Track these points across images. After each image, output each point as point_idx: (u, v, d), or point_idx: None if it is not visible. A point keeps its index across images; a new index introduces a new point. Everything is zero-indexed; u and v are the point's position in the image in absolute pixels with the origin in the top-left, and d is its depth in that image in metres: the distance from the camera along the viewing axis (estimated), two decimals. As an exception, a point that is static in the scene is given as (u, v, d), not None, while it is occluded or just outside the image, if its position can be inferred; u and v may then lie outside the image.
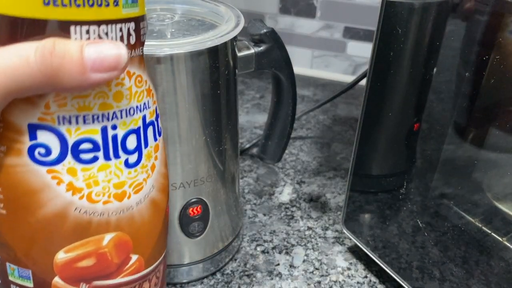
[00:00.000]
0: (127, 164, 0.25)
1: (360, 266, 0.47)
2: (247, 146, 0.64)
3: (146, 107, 0.26)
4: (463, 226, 0.40)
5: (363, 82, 0.42)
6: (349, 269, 0.47)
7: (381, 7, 0.35)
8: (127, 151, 0.25)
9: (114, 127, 0.24)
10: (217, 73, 0.36)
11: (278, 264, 0.47)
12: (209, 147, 0.38)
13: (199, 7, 0.40)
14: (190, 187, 0.39)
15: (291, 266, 0.47)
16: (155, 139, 0.27)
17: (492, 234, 0.38)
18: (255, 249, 0.49)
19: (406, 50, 0.37)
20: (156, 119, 0.28)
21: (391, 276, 0.43)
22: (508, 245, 0.38)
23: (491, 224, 0.39)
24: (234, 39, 0.37)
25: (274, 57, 0.41)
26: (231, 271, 0.46)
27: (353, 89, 0.62)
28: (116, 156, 0.25)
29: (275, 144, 0.49)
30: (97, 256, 0.26)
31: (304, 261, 0.47)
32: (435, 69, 0.38)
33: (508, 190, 0.39)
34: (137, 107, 0.25)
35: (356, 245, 0.48)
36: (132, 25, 0.24)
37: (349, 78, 0.76)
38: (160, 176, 0.28)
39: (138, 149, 0.26)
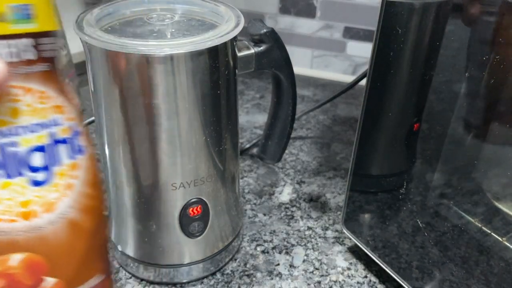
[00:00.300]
0: (33, 182, 0.25)
1: (360, 266, 0.47)
2: (247, 146, 0.64)
3: (54, 124, 0.26)
4: (463, 226, 0.40)
5: (363, 82, 0.42)
6: (349, 269, 0.47)
7: (381, 7, 0.35)
8: (32, 169, 0.25)
9: (13, 144, 0.24)
10: (217, 73, 0.36)
11: (278, 264, 0.47)
12: (209, 147, 0.38)
13: (199, 7, 0.40)
14: (190, 187, 0.39)
15: (291, 266, 0.47)
16: (72, 158, 0.27)
17: (492, 234, 0.38)
18: (255, 249, 0.49)
19: (406, 50, 0.37)
20: (74, 136, 0.27)
21: (391, 276, 0.43)
22: (508, 245, 0.38)
23: (491, 224, 0.39)
24: (234, 39, 0.37)
25: (274, 57, 0.41)
26: (231, 271, 0.46)
27: (353, 89, 0.62)
28: (19, 173, 0.24)
29: (275, 144, 0.49)
30: (5, 276, 0.25)
31: (304, 261, 0.48)
32: (435, 69, 0.38)
33: (508, 190, 0.39)
34: (42, 124, 0.25)
35: (356, 245, 0.48)
36: (26, 41, 0.23)
37: (349, 78, 0.76)
38: (83, 197, 0.27)
39: (47, 167, 0.25)
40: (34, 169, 0.25)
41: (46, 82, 0.25)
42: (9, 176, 0.24)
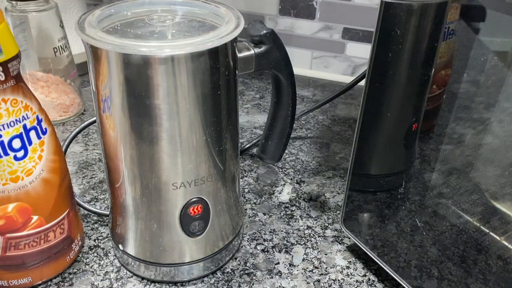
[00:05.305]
0: (16, 158, 0.37)
1: (359, 265, 0.47)
2: (247, 146, 0.65)
3: (25, 118, 0.37)
4: (461, 225, 0.40)
5: (362, 82, 0.42)
6: (348, 267, 0.47)
7: (379, 8, 0.36)
8: (14, 150, 0.36)
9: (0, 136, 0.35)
10: (218, 74, 0.36)
11: (278, 263, 0.47)
12: (210, 147, 0.39)
13: (200, 8, 0.41)
14: (190, 187, 0.39)
15: (291, 264, 0.47)
16: (39, 138, 0.38)
17: (490, 233, 0.39)
18: (255, 248, 0.49)
19: (405, 51, 0.38)
20: (38, 123, 0.38)
21: (390, 275, 0.43)
22: (506, 244, 0.38)
23: (489, 224, 0.39)
24: (234, 40, 0.37)
25: (274, 58, 0.42)
26: (232, 269, 0.46)
27: (352, 90, 0.62)
28: (6, 154, 0.36)
29: (275, 144, 0.49)
30: (5, 218, 0.38)
31: (303, 259, 0.48)
32: (433, 70, 0.38)
33: (506, 189, 0.39)
34: (16, 120, 0.36)
35: (355, 244, 0.49)
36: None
37: (348, 79, 0.76)
38: (49, 162, 0.39)
39: (24, 147, 0.37)
40: (16, 150, 0.37)
41: (14, 92, 0.36)
42: (0, 156, 0.36)
